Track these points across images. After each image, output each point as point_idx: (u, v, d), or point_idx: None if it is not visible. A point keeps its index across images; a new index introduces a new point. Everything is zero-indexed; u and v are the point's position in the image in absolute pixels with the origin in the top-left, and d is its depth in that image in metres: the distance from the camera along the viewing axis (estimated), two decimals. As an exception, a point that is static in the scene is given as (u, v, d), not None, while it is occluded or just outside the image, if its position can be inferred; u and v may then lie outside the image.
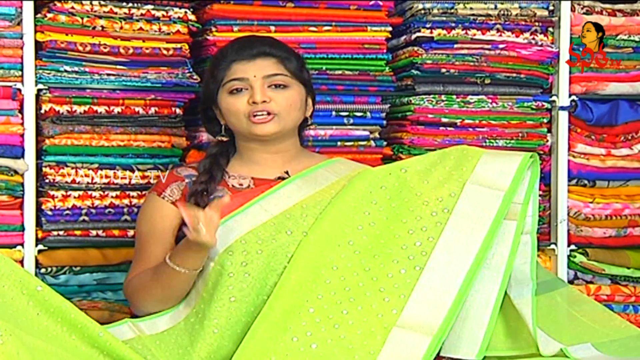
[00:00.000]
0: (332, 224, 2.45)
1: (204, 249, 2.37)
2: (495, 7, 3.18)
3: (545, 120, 3.22)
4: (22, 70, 2.90)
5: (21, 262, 2.87)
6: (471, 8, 3.17)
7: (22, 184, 2.90)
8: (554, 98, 3.22)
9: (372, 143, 3.14)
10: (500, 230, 2.41)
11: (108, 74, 2.97)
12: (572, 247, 3.22)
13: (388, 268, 2.37)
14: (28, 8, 2.90)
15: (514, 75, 3.20)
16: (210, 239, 2.31)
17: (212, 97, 2.61)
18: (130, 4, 2.99)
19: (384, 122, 3.16)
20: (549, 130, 3.23)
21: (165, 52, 3.02)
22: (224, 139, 2.64)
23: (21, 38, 2.89)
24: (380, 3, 3.13)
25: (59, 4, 2.92)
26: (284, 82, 2.56)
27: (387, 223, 2.45)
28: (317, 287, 2.36)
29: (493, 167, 2.48)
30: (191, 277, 2.42)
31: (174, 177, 2.61)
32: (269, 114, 2.53)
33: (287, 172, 2.60)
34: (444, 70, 3.16)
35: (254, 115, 2.53)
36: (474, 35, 3.17)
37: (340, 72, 3.12)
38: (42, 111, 2.92)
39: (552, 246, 3.20)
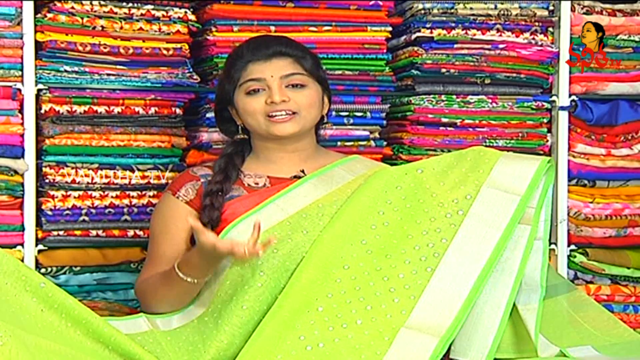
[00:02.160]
0: (345, 223, 2.45)
1: (218, 261, 2.37)
2: (495, 7, 3.18)
3: (545, 120, 3.22)
4: (22, 70, 2.90)
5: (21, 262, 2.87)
6: (471, 8, 3.17)
7: (22, 184, 2.90)
8: (554, 98, 3.22)
9: (372, 143, 3.14)
10: (514, 234, 2.40)
11: (108, 74, 2.97)
12: (572, 247, 3.22)
13: (400, 268, 2.37)
14: (28, 8, 2.89)
15: (514, 75, 3.20)
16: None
17: (228, 98, 2.60)
18: (130, 4, 2.98)
19: (384, 122, 3.17)
20: (549, 130, 3.23)
21: (165, 52, 3.01)
22: (243, 137, 2.63)
23: (21, 38, 2.89)
24: (380, 3, 3.13)
25: (59, 4, 2.92)
26: (301, 81, 2.56)
27: (401, 223, 2.45)
28: (327, 286, 2.36)
29: (510, 170, 2.47)
30: (200, 285, 2.43)
31: (189, 177, 2.61)
32: (287, 113, 2.53)
33: (302, 171, 2.60)
34: (444, 70, 3.16)
35: (273, 115, 2.53)
36: (474, 35, 3.17)
37: (340, 72, 3.11)
38: (42, 111, 2.92)
39: (552, 246, 3.20)
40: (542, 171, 2.47)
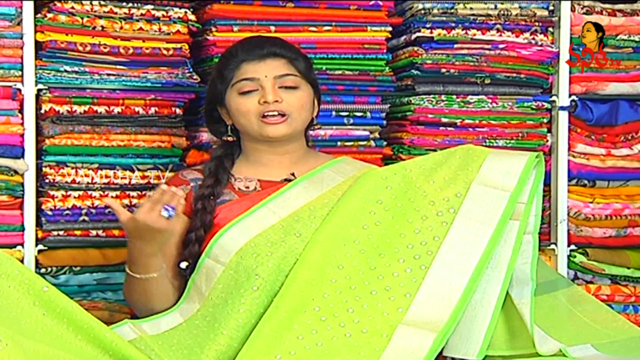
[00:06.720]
0: (338, 223, 2.46)
1: (148, 243, 2.38)
2: (495, 7, 3.18)
3: (545, 120, 3.22)
4: (22, 70, 2.90)
5: (21, 262, 2.86)
6: (471, 8, 3.17)
7: (22, 184, 2.90)
8: (554, 98, 3.22)
9: (372, 143, 3.14)
10: (504, 230, 2.42)
11: (108, 74, 2.97)
12: (572, 247, 3.22)
13: (394, 267, 2.38)
14: (28, 8, 2.89)
15: (514, 75, 3.19)
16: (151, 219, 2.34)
17: (220, 98, 2.61)
18: (130, 4, 2.98)
19: (384, 122, 3.16)
20: (549, 130, 3.23)
21: (165, 52, 3.01)
22: (230, 139, 2.64)
23: (21, 38, 2.89)
24: (380, 3, 3.13)
25: (59, 4, 2.92)
26: (295, 82, 2.57)
27: (393, 222, 2.46)
28: (323, 286, 2.37)
29: (499, 167, 2.49)
30: (153, 281, 2.44)
31: (179, 181, 2.62)
32: (280, 115, 2.54)
33: (293, 174, 2.61)
34: (444, 70, 3.16)
35: (265, 116, 2.53)
36: (474, 35, 3.17)
37: (340, 72, 3.11)
38: (42, 111, 2.92)
39: (552, 246, 3.20)
40: (531, 166, 2.48)
